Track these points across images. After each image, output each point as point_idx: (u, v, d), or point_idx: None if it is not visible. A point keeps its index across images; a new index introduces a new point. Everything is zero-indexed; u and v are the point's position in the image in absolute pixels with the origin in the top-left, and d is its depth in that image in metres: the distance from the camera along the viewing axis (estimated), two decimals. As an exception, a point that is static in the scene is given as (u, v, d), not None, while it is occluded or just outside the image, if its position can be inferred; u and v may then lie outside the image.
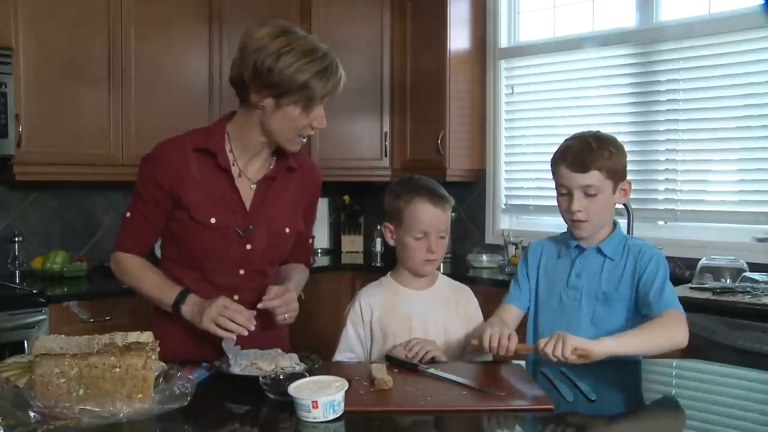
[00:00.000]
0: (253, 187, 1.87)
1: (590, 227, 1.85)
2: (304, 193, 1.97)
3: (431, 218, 1.86)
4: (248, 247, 1.85)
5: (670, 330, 1.72)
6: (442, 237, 1.88)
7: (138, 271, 1.87)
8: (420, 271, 1.92)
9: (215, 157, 1.82)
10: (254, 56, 1.72)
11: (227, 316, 1.69)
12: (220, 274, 1.86)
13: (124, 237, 1.90)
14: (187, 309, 1.76)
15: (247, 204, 1.86)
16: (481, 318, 1.99)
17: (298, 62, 1.70)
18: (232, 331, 1.69)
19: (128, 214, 1.88)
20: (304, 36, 1.76)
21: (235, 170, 1.85)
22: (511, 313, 1.95)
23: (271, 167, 1.90)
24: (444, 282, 2.01)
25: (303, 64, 1.70)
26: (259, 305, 1.78)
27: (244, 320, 1.69)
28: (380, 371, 1.56)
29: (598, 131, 1.88)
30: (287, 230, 1.92)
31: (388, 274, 1.98)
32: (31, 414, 1.27)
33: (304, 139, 1.85)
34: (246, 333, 1.70)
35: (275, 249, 1.92)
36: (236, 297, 1.85)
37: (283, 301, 1.80)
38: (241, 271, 1.87)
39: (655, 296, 1.77)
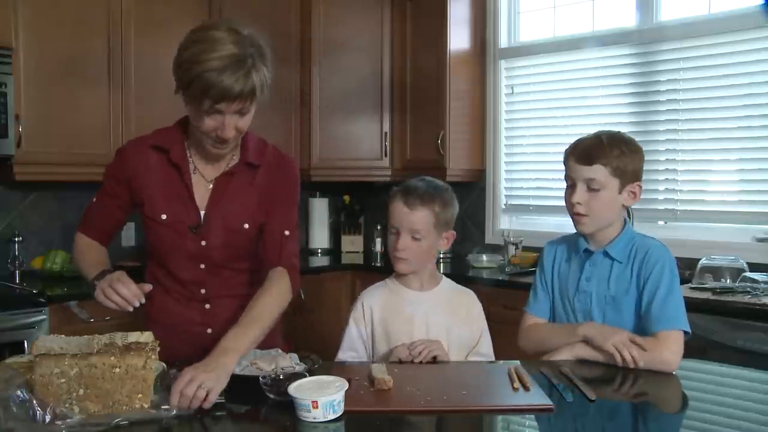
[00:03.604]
0: (210, 186, 1.86)
1: (591, 223, 1.84)
2: (269, 188, 1.88)
3: (400, 216, 1.86)
4: (203, 243, 1.84)
5: (660, 355, 1.71)
6: (416, 238, 1.86)
7: (83, 251, 1.90)
8: (393, 267, 1.92)
9: (168, 153, 1.84)
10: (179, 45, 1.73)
11: (114, 288, 1.63)
12: (182, 269, 1.87)
13: (84, 219, 1.95)
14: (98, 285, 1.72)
15: (204, 200, 1.84)
16: (484, 322, 1.96)
17: (193, 58, 1.63)
18: (116, 303, 1.64)
19: (94, 200, 1.93)
20: (226, 36, 1.64)
21: (191, 167, 1.85)
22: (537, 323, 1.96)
23: (230, 165, 1.87)
24: (447, 285, 1.99)
25: (196, 61, 1.63)
26: None
27: (127, 293, 1.63)
28: (380, 371, 1.56)
29: (620, 132, 1.89)
30: (246, 226, 1.86)
31: (393, 275, 1.98)
32: (32, 414, 1.27)
33: (221, 144, 1.75)
34: (130, 309, 1.64)
35: (233, 245, 1.87)
36: (203, 291, 1.88)
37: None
38: (202, 266, 1.87)
39: (658, 310, 1.76)
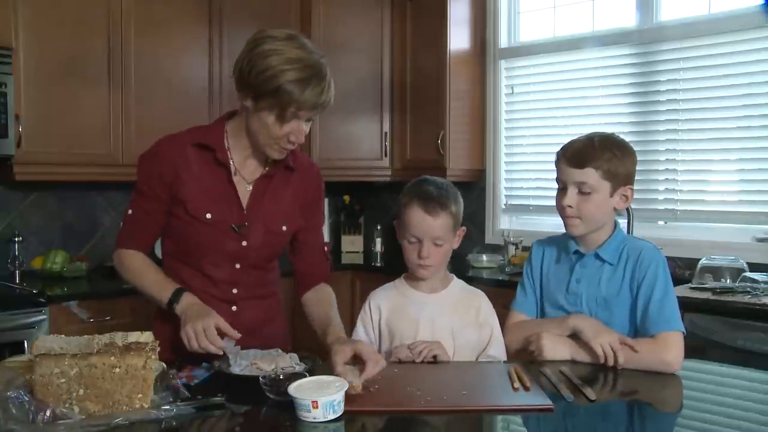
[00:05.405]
0: (249, 187, 1.87)
1: (582, 226, 1.83)
2: (303, 193, 1.95)
3: (422, 225, 1.83)
4: (244, 243, 1.85)
5: (662, 357, 1.71)
6: (438, 244, 1.83)
7: (139, 269, 1.86)
8: (416, 274, 1.90)
9: (214, 152, 1.83)
10: (244, 55, 1.74)
11: (200, 344, 1.65)
12: (217, 268, 1.86)
13: (126, 234, 1.90)
14: (180, 308, 1.75)
15: (244, 201, 1.86)
16: (495, 323, 1.93)
17: (276, 67, 1.67)
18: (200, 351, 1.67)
19: (130, 211, 1.88)
20: (301, 45, 1.73)
21: (231, 168, 1.86)
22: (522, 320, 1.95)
23: (268, 167, 1.89)
24: (457, 286, 1.96)
25: (281, 70, 1.67)
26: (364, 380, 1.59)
27: (213, 350, 1.65)
28: (352, 374, 1.52)
29: (613, 134, 1.86)
30: (284, 228, 1.91)
31: (402, 276, 1.97)
32: (32, 414, 1.27)
33: (287, 149, 1.80)
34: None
35: (271, 246, 1.92)
36: (234, 291, 1.88)
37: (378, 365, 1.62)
38: (237, 266, 1.87)
39: (655, 312, 1.76)
